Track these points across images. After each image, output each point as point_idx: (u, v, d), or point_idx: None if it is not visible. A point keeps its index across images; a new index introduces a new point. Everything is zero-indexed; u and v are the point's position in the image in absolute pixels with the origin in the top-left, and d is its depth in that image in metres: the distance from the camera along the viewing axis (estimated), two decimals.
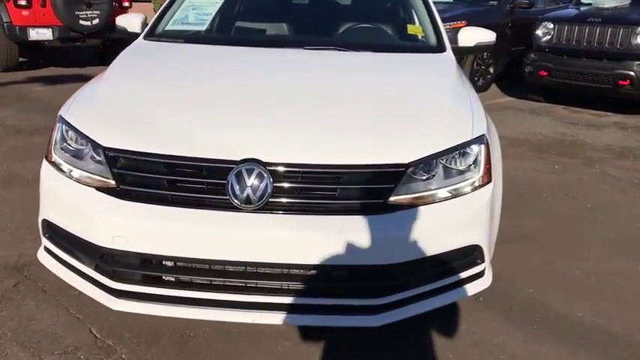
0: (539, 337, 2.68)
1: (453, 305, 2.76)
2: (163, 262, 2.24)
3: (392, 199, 2.25)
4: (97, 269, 2.33)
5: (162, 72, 2.96)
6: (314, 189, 2.23)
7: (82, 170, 2.37)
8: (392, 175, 2.26)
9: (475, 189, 2.42)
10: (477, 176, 2.43)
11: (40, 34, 9.21)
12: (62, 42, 9.51)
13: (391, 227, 2.20)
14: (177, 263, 2.23)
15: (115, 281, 2.28)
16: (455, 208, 2.35)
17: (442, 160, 2.38)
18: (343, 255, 2.17)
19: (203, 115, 2.46)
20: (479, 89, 8.54)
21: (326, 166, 2.23)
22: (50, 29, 9.24)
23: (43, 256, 2.59)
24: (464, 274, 2.43)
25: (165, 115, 2.44)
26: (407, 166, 2.27)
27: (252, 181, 2.17)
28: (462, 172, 2.42)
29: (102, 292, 2.33)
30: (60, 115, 2.59)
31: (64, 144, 2.49)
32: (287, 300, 2.23)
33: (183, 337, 2.56)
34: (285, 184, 2.22)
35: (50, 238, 2.52)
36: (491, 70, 8.78)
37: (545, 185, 4.73)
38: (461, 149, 2.43)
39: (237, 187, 2.18)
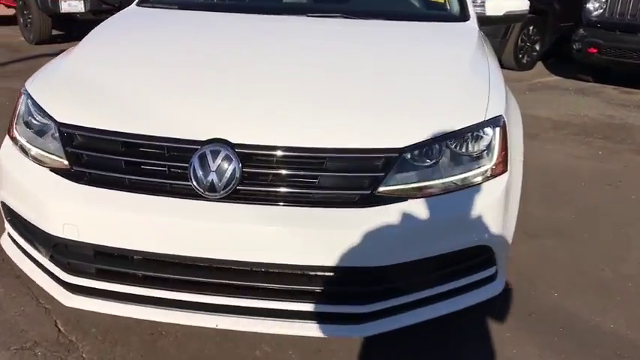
0: (560, 350, 2.31)
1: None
2: (118, 256, 1.96)
3: (381, 189, 1.91)
4: (51, 260, 2.08)
5: (138, 42, 2.65)
6: (291, 176, 1.91)
7: (39, 149, 2.11)
8: (382, 162, 1.92)
9: (487, 179, 2.06)
10: (489, 164, 2.07)
11: (72, 6, 9.08)
12: (94, 14, 9.35)
13: (379, 223, 1.87)
14: (134, 257, 1.95)
15: (69, 274, 2.03)
16: (460, 202, 2.00)
17: (450, 143, 2.03)
18: (322, 254, 1.86)
19: (172, 89, 2.15)
20: (523, 67, 8.02)
21: (305, 150, 1.90)
22: (82, 1, 9.09)
23: (4, 241, 2.36)
24: (469, 279, 2.08)
25: (130, 90, 2.15)
26: (401, 151, 1.93)
27: (217, 164, 1.87)
28: (471, 160, 2.07)
29: (57, 285, 2.08)
30: (24, 87, 2.34)
31: (29, 118, 2.23)
32: (255, 304, 1.93)
33: (153, 336, 2.30)
34: (257, 170, 1.91)
35: (11, 222, 2.29)
36: (537, 47, 8.22)
37: (585, 173, 4.27)
38: (471, 132, 2.07)
39: (200, 172, 1.88)
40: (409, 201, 1.93)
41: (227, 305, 1.94)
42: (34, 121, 2.18)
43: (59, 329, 2.34)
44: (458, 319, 2.24)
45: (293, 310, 1.93)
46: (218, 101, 2.06)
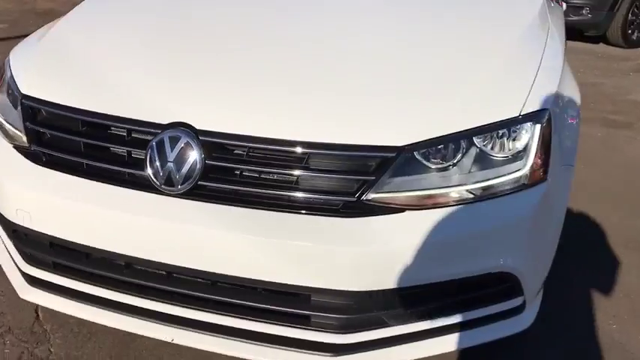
0: None
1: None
2: (73, 250, 1.72)
3: (372, 196, 1.54)
4: (15, 246, 1.88)
5: (123, 16, 2.25)
6: (263, 173, 1.58)
7: (10, 123, 1.90)
8: (374, 162, 1.54)
9: (517, 189, 1.63)
10: (522, 171, 1.64)
11: None
12: None
13: (363, 237, 1.51)
14: (88, 253, 1.70)
15: (28, 264, 1.83)
16: (477, 217, 1.59)
17: (472, 142, 1.61)
18: (293, 271, 1.53)
19: (146, 67, 1.85)
20: (632, 44, 7.11)
21: (282, 142, 1.56)
22: None
23: None
24: (485, 311, 1.68)
25: (103, 66, 1.86)
26: (400, 150, 1.54)
27: (175, 154, 1.57)
28: (499, 163, 1.64)
29: (18, 274, 1.89)
30: (9, 55, 2.14)
31: (9, 89, 2.02)
32: (216, 320, 1.64)
33: (130, 337, 2.06)
34: (223, 163, 1.59)
35: None
36: None
37: None
38: (501, 129, 1.64)
39: (157, 162, 1.59)
40: (407, 213, 1.55)
41: (185, 318, 1.66)
42: (10, 92, 1.97)
43: (37, 316, 2.17)
44: (479, 349, 1.84)
45: (260, 334, 1.62)
46: (188, 81, 1.75)
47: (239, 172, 1.58)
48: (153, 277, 1.65)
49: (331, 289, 1.52)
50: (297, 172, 1.56)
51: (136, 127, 1.65)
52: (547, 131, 1.70)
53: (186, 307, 1.65)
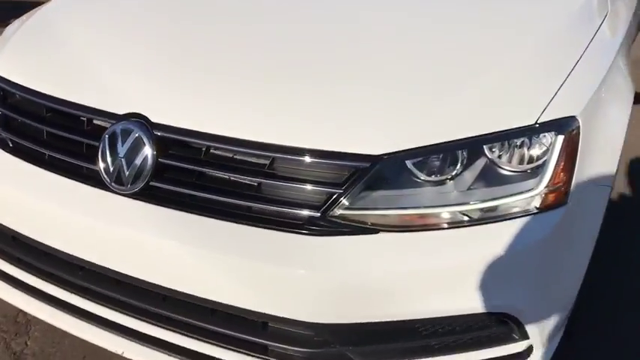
0: None
1: None
2: (28, 245, 1.59)
3: (339, 212, 1.30)
4: None
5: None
6: (223, 177, 1.38)
7: None
8: (345, 173, 1.30)
9: (526, 214, 1.34)
10: (535, 191, 1.34)
11: None
12: None
13: (324, 260, 1.27)
14: (40, 248, 1.56)
15: None
16: (471, 244, 1.31)
17: (478, 153, 1.34)
18: (245, 293, 1.33)
19: (116, 52, 1.67)
20: None
21: (244, 143, 1.35)
22: None
23: None
24: (476, 356, 1.40)
25: (76, 50, 1.70)
26: (376, 159, 1.29)
27: (126, 148, 1.40)
28: (505, 181, 1.35)
29: None
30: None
31: None
32: (170, 338, 1.46)
33: None
34: (178, 163, 1.40)
35: None
36: None
37: None
38: (509, 139, 1.35)
39: (109, 157, 1.42)
40: (381, 235, 1.29)
41: (137, 331, 1.49)
42: None
43: None
44: None
45: (212, 358, 1.43)
46: (151, 71, 1.56)
47: (195, 174, 1.39)
48: (105, 282, 1.49)
49: (287, 319, 1.30)
50: (258, 179, 1.34)
51: (94, 117, 1.49)
52: (573, 144, 1.39)
53: (139, 320, 1.48)
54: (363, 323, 1.30)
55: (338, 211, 1.29)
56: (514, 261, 1.31)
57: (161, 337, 1.46)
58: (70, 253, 1.48)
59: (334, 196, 1.29)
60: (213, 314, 1.39)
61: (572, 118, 1.40)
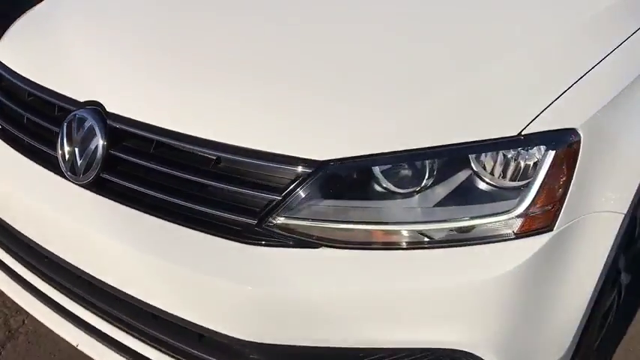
0: None
1: None
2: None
3: (279, 221, 1.17)
4: None
5: None
6: (169, 174, 1.28)
7: None
8: (287, 178, 1.17)
9: (499, 239, 1.15)
10: (515, 212, 1.15)
11: None
12: None
13: (259, 274, 1.15)
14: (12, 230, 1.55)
15: None
16: (428, 268, 1.14)
17: (463, 162, 1.17)
18: (177, 300, 1.23)
19: (93, 40, 1.62)
20: None
21: (190, 139, 1.25)
22: None
23: None
24: None
25: (69, 41, 1.66)
26: (321, 165, 1.15)
27: (80, 137, 1.35)
28: (485, 198, 1.17)
29: None
30: None
31: None
32: (119, 337, 1.40)
33: None
34: (128, 157, 1.33)
35: None
36: None
37: None
38: (486, 151, 1.17)
39: (66, 145, 1.38)
40: (322, 250, 1.15)
41: (90, 325, 1.44)
42: None
43: None
44: None
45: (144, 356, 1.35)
46: (116, 60, 1.49)
47: (144, 169, 1.31)
48: (64, 272, 1.45)
49: (219, 333, 1.20)
50: (201, 179, 1.24)
51: (61, 103, 1.45)
52: (569, 161, 1.17)
53: (93, 314, 1.43)
54: (300, 346, 1.16)
55: (279, 220, 1.16)
56: (477, 293, 1.13)
57: (110, 335, 1.40)
58: (36, 241, 1.45)
59: (272, 203, 1.16)
60: (155, 318, 1.30)
61: (571, 131, 1.18)
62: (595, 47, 1.36)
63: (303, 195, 1.15)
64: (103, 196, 1.33)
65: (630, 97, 1.31)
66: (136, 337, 1.36)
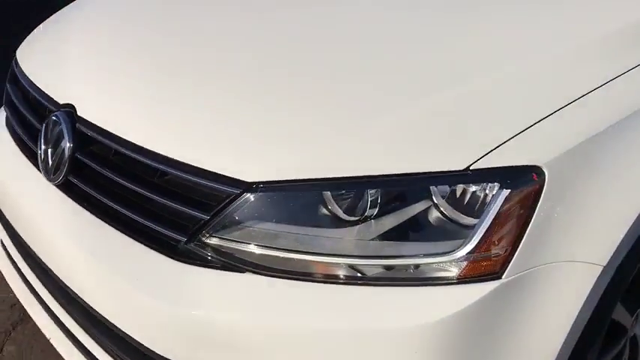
0: None
1: None
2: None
3: (207, 241, 1.13)
4: None
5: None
6: (121, 183, 1.28)
7: None
8: (216, 198, 1.12)
9: (440, 282, 1.05)
10: (456, 254, 1.04)
11: None
12: None
13: (179, 293, 1.12)
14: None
15: None
16: (352, 307, 1.06)
17: (422, 193, 1.08)
18: (114, 310, 1.23)
19: (93, 46, 1.65)
20: None
21: (139, 150, 1.24)
22: None
23: None
24: None
25: (73, 40, 1.72)
26: (249, 187, 1.09)
27: (53, 138, 1.39)
28: (431, 234, 1.07)
29: None
30: None
31: None
32: (82, 337, 1.42)
33: None
34: (91, 161, 1.34)
35: None
36: None
37: None
38: (442, 184, 1.06)
39: (42, 144, 1.43)
40: (247, 275, 1.10)
41: (60, 321, 1.48)
42: None
43: None
44: None
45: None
46: (104, 68, 1.50)
47: (103, 176, 1.32)
48: (38, 264, 1.50)
49: (149, 349, 1.18)
50: (145, 191, 1.22)
51: (46, 103, 1.50)
52: (526, 201, 1.04)
53: (62, 309, 1.47)
54: None
55: (209, 240, 1.12)
56: (403, 339, 1.03)
57: (77, 336, 1.43)
58: (20, 234, 1.52)
59: (201, 223, 1.12)
60: (103, 324, 1.31)
61: (532, 168, 1.05)
62: (581, 78, 1.19)
63: (231, 216, 1.10)
64: (70, 198, 1.36)
65: (623, 135, 1.14)
66: (96, 342, 1.38)
